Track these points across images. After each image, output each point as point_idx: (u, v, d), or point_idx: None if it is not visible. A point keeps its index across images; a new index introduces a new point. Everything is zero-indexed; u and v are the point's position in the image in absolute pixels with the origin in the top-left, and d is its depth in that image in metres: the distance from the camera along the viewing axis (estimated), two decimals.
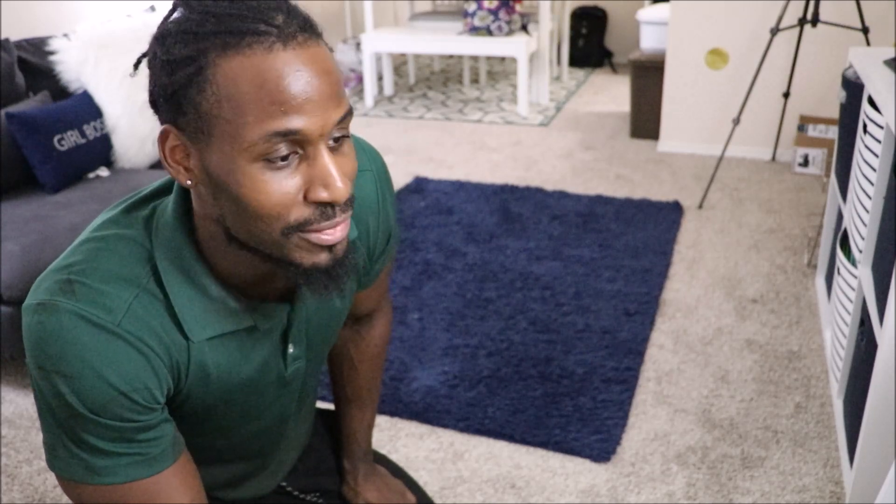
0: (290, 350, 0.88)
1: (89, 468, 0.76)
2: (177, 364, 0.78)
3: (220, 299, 0.78)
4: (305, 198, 0.69)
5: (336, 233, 0.72)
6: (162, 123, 0.70)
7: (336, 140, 0.70)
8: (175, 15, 0.69)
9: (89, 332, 0.71)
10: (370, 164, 0.92)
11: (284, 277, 0.79)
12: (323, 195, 0.69)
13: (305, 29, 0.67)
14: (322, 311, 0.90)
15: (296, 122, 0.65)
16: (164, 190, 0.82)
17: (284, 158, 0.67)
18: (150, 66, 0.69)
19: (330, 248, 0.72)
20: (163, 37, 0.68)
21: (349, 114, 0.70)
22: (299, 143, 0.67)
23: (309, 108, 0.65)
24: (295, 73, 0.65)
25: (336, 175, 0.69)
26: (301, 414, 1.05)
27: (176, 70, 0.66)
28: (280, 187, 0.68)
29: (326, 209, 0.70)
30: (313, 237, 0.71)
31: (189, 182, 0.72)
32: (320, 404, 1.26)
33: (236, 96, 0.64)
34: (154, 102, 0.70)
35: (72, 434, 0.74)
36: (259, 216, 0.69)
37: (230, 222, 0.72)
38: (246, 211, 0.69)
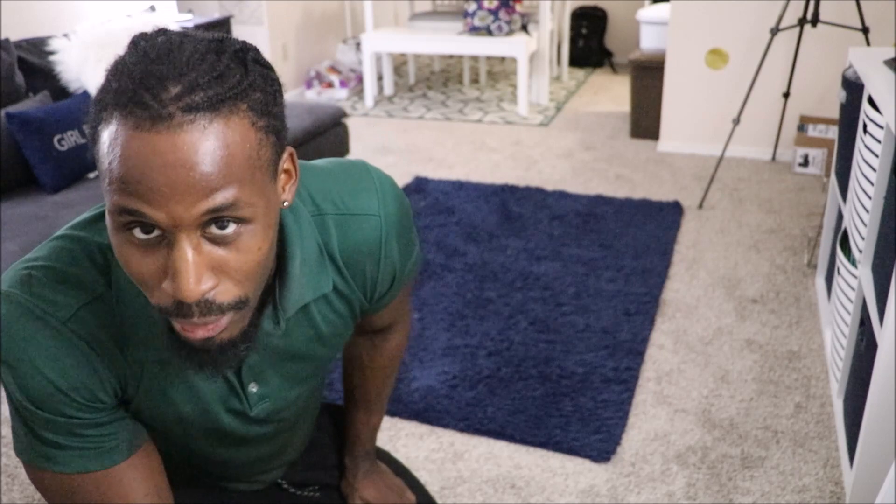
0: (253, 389, 0.85)
1: (43, 455, 0.77)
2: (124, 375, 0.78)
3: (163, 323, 0.73)
4: None
5: (197, 332, 0.66)
6: None
7: (222, 226, 0.63)
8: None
9: (35, 326, 0.72)
10: (379, 207, 0.85)
11: None
12: (169, 289, 0.63)
13: (199, 107, 0.60)
14: (296, 351, 0.86)
15: (141, 207, 0.61)
16: None
17: (146, 231, 0.63)
18: None
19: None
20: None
21: (235, 204, 0.62)
22: (160, 227, 0.62)
23: (154, 197, 0.60)
24: (147, 158, 0.59)
25: (188, 272, 0.62)
26: (295, 435, 1.04)
27: (93, 112, 0.65)
28: (140, 264, 0.64)
29: (182, 305, 0.64)
30: (177, 325, 0.66)
31: None
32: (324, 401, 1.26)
33: (104, 161, 0.62)
34: None
35: (25, 422, 0.76)
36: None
37: None
38: None
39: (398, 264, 0.89)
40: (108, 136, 0.61)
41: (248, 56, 0.65)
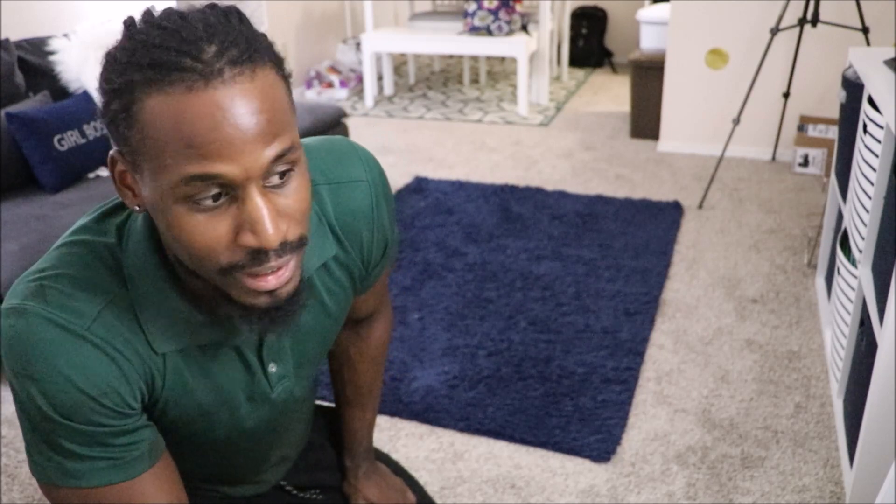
0: (273, 370, 0.86)
1: (64, 471, 0.75)
2: (150, 372, 0.77)
3: (185, 312, 0.76)
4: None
5: (269, 281, 0.69)
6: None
7: (281, 175, 0.67)
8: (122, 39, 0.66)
9: (57, 336, 0.71)
10: (366, 174, 0.89)
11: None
12: (250, 241, 0.65)
13: (240, 61, 0.63)
14: (306, 327, 0.88)
15: (215, 167, 0.62)
16: None
17: (216, 198, 0.64)
18: (98, 89, 0.67)
19: (271, 291, 0.70)
20: (106, 61, 0.65)
21: (291, 149, 0.66)
22: (226, 185, 0.64)
23: (228, 152, 0.62)
24: (212, 115, 0.61)
25: (266, 220, 0.65)
26: (298, 424, 1.04)
27: (111, 100, 0.64)
28: (207, 230, 0.65)
29: (259, 254, 0.66)
30: (248, 282, 0.68)
31: (137, 208, 0.71)
32: (321, 402, 1.26)
33: (156, 136, 0.62)
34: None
35: (46, 437, 0.74)
36: (191, 255, 0.67)
37: (176, 252, 0.70)
38: (180, 247, 0.68)
39: (388, 230, 0.93)
40: (154, 111, 0.61)
41: (243, 17, 0.68)
